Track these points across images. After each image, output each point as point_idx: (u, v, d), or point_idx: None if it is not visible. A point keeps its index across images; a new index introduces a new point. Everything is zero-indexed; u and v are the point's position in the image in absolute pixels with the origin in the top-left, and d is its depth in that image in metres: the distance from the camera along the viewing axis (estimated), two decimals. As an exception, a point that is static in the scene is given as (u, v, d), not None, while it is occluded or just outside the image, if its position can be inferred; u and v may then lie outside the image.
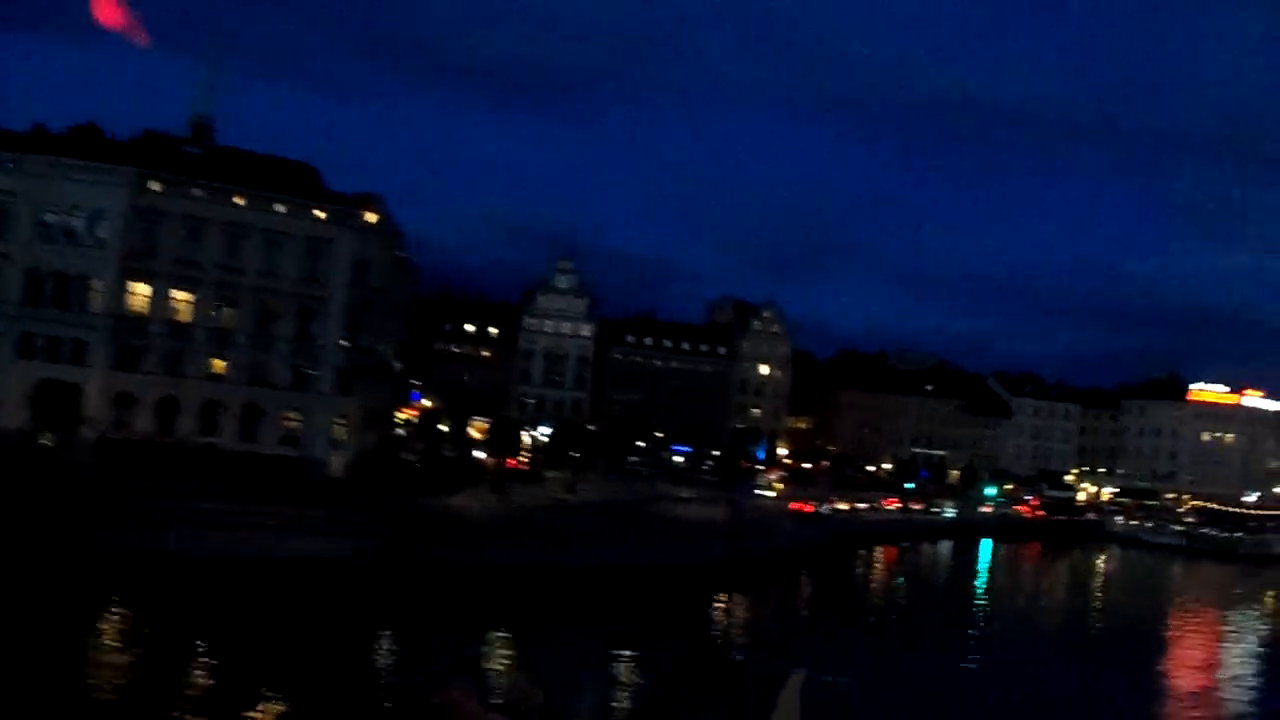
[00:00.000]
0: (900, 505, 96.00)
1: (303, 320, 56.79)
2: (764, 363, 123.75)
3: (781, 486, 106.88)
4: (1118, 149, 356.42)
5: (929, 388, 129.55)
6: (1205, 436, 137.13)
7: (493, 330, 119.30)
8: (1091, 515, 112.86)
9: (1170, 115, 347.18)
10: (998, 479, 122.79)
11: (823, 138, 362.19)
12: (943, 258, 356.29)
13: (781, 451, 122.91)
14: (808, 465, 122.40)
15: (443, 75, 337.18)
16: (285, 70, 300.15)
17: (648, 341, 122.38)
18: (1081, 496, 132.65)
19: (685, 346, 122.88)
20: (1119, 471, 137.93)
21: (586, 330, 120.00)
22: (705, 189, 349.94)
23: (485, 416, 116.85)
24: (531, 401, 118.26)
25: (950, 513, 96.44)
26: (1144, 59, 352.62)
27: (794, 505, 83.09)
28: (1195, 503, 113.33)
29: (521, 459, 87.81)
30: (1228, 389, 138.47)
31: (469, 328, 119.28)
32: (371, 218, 58.97)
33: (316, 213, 57.52)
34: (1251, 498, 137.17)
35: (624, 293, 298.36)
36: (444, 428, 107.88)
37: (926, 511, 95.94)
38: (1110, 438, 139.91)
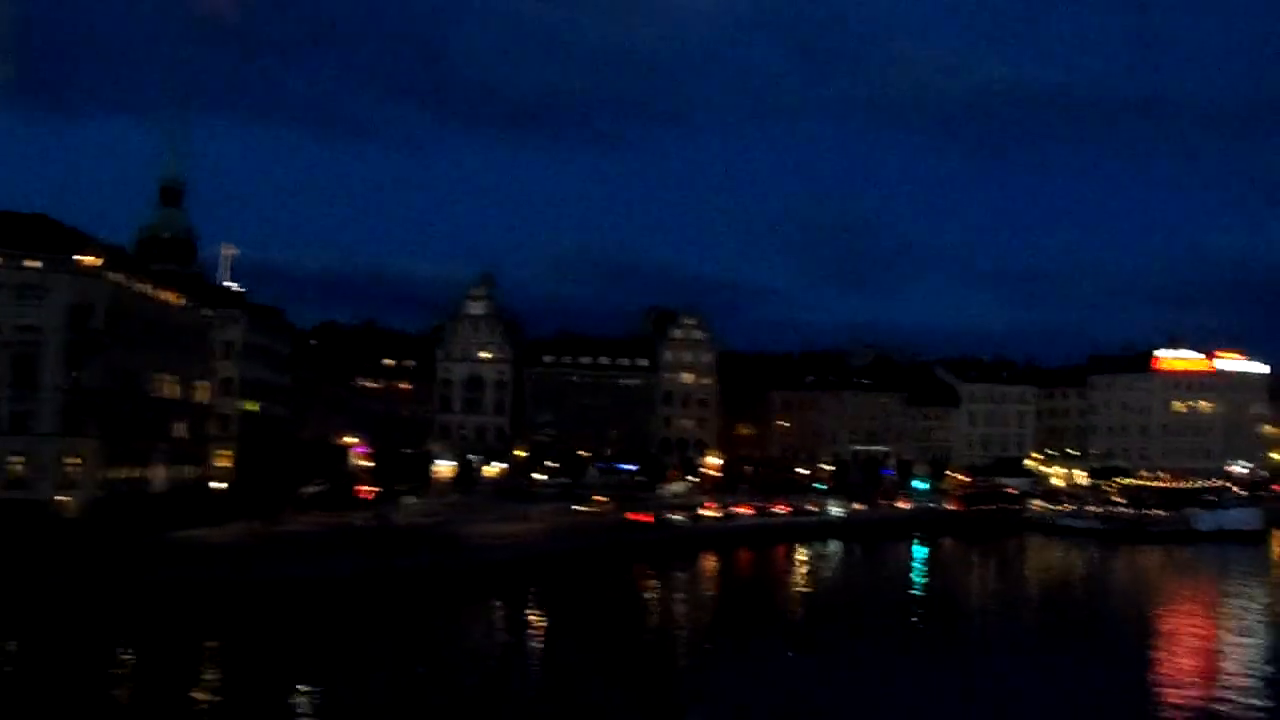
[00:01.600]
0: (790, 510, 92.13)
1: (19, 365, 57.69)
2: (688, 371, 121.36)
3: (683, 491, 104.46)
4: (1168, 125, 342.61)
5: (866, 382, 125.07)
6: (1178, 407, 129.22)
7: (409, 362, 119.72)
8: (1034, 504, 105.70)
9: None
10: (939, 471, 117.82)
11: (878, 142, 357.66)
12: (1010, 252, 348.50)
13: (714, 459, 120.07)
14: (749, 469, 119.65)
15: (476, 112, 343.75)
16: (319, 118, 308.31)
17: (566, 360, 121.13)
18: (1057, 482, 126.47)
19: (604, 361, 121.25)
20: (1092, 452, 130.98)
21: (502, 354, 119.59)
22: (763, 205, 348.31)
23: (409, 448, 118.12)
24: (453, 429, 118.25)
25: (838, 511, 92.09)
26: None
27: (630, 515, 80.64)
28: (1125, 481, 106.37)
29: (368, 488, 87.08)
30: (1198, 354, 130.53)
31: (387, 361, 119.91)
32: (93, 261, 59.69)
33: (28, 262, 58.51)
34: (1241, 469, 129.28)
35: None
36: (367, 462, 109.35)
37: (822, 512, 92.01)
38: (1079, 417, 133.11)
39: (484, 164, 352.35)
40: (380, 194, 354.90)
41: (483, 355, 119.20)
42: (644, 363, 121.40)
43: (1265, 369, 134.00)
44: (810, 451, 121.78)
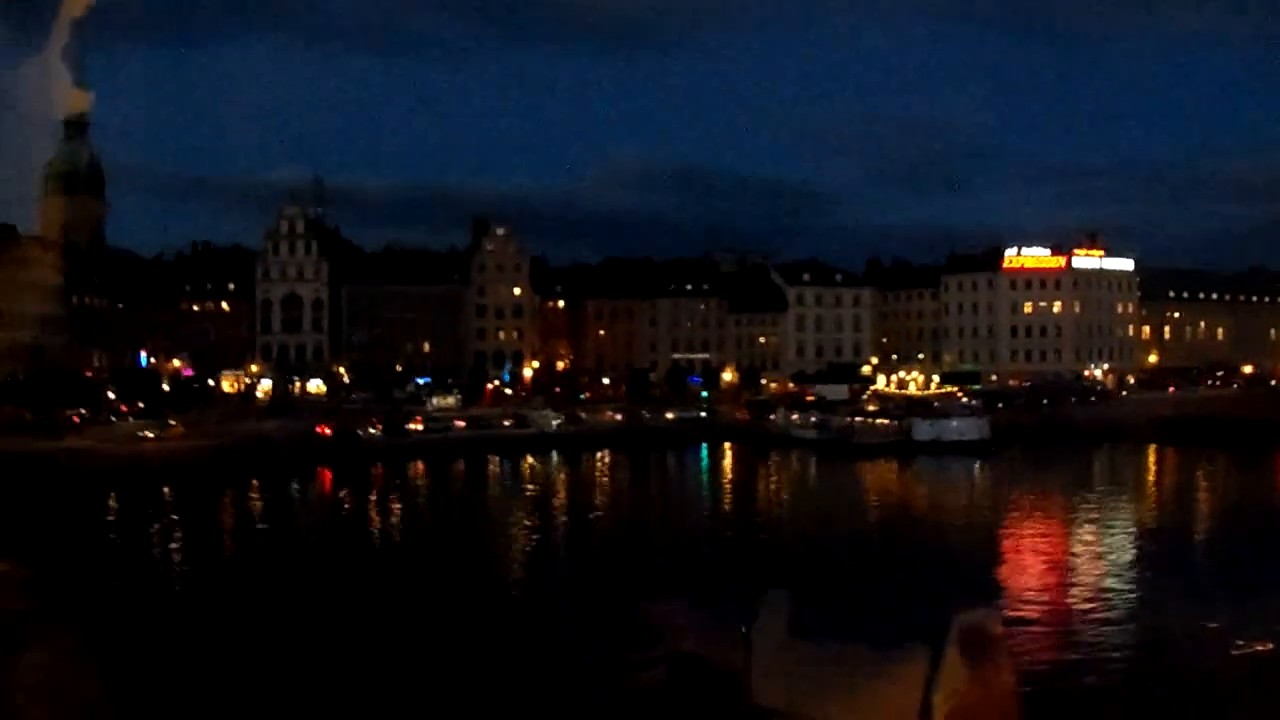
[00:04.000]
0: (513, 420, 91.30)
1: None
2: (501, 283, 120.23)
3: (452, 404, 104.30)
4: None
5: (688, 286, 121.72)
6: (1028, 308, 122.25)
7: (231, 285, 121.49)
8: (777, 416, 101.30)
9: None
10: (753, 379, 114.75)
11: (948, 41, 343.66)
12: (1082, 149, 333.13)
13: (529, 371, 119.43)
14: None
15: (532, 24, 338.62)
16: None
17: (384, 276, 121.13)
18: (890, 389, 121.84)
19: (422, 275, 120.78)
20: (946, 357, 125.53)
21: (319, 272, 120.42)
22: (828, 108, 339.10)
23: (234, 369, 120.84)
24: (273, 348, 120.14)
25: (555, 423, 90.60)
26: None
27: (319, 428, 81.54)
28: (883, 390, 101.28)
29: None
30: (1050, 251, 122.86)
31: (209, 285, 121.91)
32: None
33: None
34: (1098, 372, 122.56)
35: (764, 223, 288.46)
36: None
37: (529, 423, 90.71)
38: (933, 319, 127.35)
39: (542, 77, 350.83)
40: (432, 110, 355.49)
41: (299, 274, 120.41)
42: (458, 276, 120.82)
43: (1129, 266, 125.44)
44: (629, 361, 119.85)
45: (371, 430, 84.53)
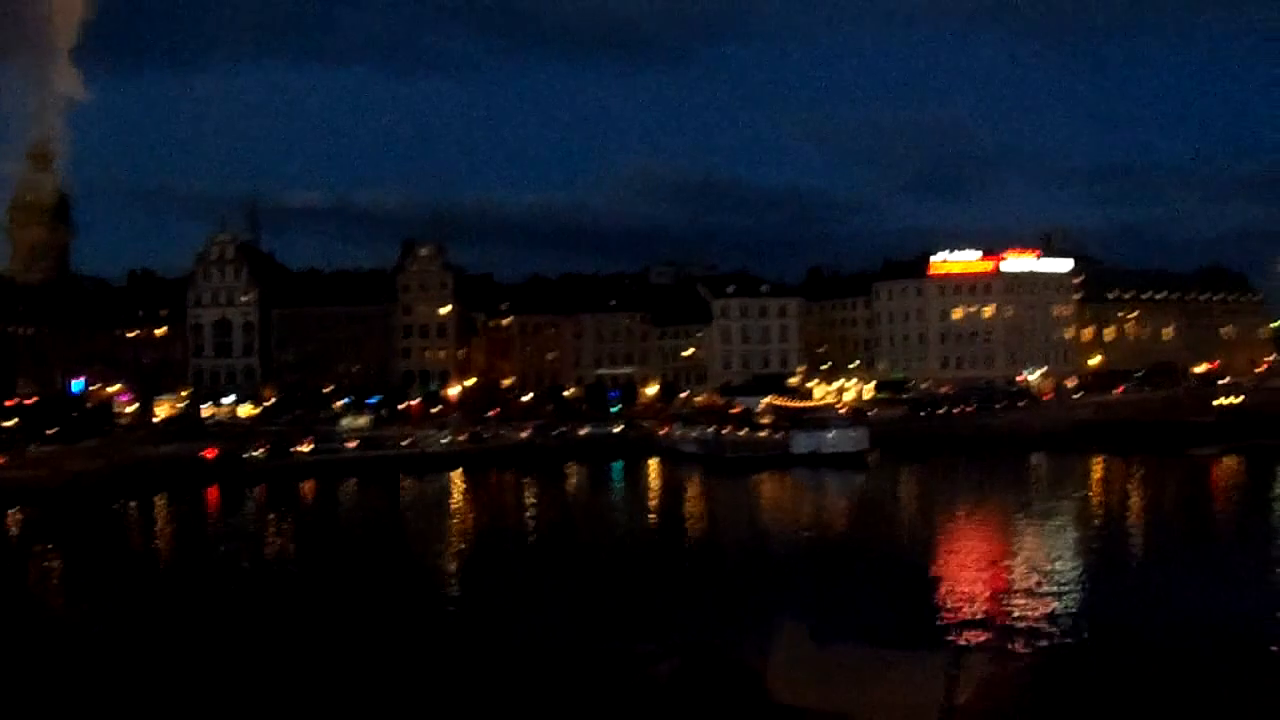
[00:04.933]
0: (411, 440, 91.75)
1: None
2: (424, 302, 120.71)
3: (364, 424, 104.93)
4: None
5: (613, 302, 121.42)
6: (957, 313, 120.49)
7: (163, 311, 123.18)
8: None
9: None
10: (669, 393, 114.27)
11: (959, 46, 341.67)
12: (1099, 150, 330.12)
13: (454, 390, 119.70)
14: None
15: (541, 38, 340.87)
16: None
17: (311, 298, 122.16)
18: (830, 398, 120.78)
19: (348, 296, 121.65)
20: (880, 366, 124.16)
21: (248, 297, 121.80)
22: (842, 115, 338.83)
23: (170, 394, 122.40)
24: (205, 372, 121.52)
25: (444, 441, 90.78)
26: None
27: (205, 451, 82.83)
28: (775, 401, 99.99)
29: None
30: (980, 255, 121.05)
31: (142, 311, 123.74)
32: None
33: None
34: (1033, 376, 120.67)
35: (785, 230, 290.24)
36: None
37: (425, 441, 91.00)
38: (866, 328, 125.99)
39: (552, 90, 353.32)
40: (444, 125, 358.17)
41: (229, 299, 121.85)
42: (385, 296, 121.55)
43: (1064, 267, 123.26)
44: (553, 377, 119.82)
45: (255, 453, 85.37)
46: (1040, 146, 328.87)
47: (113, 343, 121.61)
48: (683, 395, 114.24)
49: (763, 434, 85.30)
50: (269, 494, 75.45)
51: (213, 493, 75.60)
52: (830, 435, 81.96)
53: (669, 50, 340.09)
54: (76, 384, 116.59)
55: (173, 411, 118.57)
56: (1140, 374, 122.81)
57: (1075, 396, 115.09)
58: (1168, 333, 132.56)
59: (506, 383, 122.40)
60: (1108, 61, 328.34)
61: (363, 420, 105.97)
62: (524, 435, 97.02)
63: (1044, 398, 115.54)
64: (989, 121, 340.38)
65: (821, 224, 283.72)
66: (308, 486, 79.10)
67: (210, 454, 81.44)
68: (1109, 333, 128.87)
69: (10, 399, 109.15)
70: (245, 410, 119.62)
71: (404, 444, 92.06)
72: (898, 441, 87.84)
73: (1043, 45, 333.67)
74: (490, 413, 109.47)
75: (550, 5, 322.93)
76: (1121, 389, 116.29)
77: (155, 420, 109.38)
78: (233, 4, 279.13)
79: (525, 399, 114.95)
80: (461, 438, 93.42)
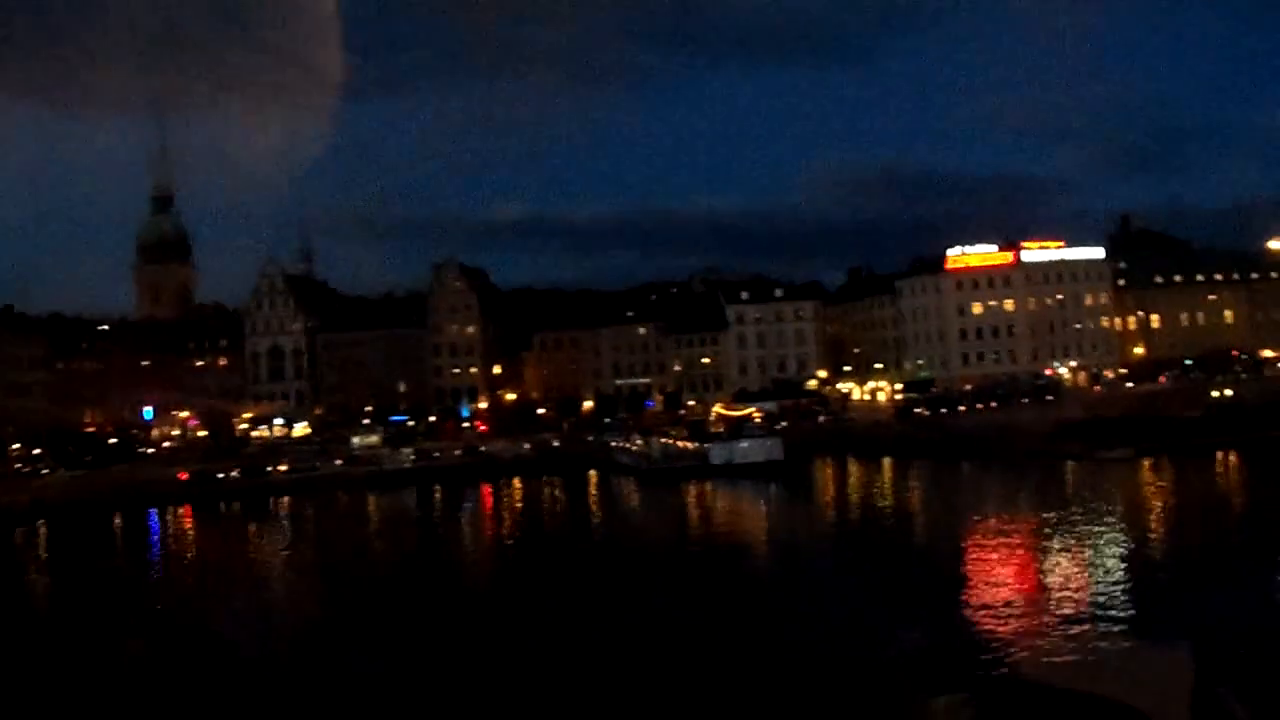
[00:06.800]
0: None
1: None
2: (453, 322, 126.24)
3: (374, 442, 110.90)
4: None
5: (630, 313, 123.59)
6: (977, 308, 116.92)
7: (223, 341, 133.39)
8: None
9: None
10: (673, 400, 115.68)
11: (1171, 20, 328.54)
12: None
13: (483, 405, 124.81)
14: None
15: (721, 43, 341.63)
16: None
17: (352, 323, 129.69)
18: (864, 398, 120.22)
19: (386, 319, 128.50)
20: (905, 364, 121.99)
21: (297, 325, 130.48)
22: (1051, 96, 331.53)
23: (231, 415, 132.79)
24: (262, 397, 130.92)
25: (405, 455, 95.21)
26: None
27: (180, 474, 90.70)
28: (721, 409, 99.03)
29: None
30: (997, 248, 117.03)
31: (207, 342, 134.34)
32: None
33: None
34: (1063, 370, 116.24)
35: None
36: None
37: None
38: (893, 328, 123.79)
39: (741, 94, 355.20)
40: (633, 136, 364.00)
41: (280, 328, 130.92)
42: (421, 318, 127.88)
43: (1098, 254, 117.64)
44: (574, 390, 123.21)
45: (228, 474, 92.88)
46: (1248, 118, 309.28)
47: (181, 371, 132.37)
48: (690, 403, 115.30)
49: (687, 445, 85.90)
50: (241, 511, 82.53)
51: (187, 510, 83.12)
52: (743, 446, 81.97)
53: (853, 46, 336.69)
54: (147, 412, 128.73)
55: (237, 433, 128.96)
56: (1190, 362, 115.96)
57: (1126, 388, 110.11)
58: (1230, 317, 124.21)
59: (536, 395, 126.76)
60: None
61: (373, 439, 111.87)
62: (527, 448, 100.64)
63: (1089, 390, 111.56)
64: (1196, 94, 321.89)
65: (1029, 206, 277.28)
66: (284, 503, 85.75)
67: (183, 476, 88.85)
68: (1155, 320, 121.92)
69: (84, 427, 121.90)
70: (299, 430, 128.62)
71: (385, 464, 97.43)
72: (873, 445, 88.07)
73: (1251, 11, 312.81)
74: (482, 427, 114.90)
75: (731, 11, 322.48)
76: (1164, 378, 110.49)
77: (193, 442, 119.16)
78: (427, 29, 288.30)
79: (541, 412, 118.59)
80: (438, 454, 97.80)
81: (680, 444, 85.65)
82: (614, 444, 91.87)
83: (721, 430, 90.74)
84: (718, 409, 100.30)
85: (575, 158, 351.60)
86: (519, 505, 78.59)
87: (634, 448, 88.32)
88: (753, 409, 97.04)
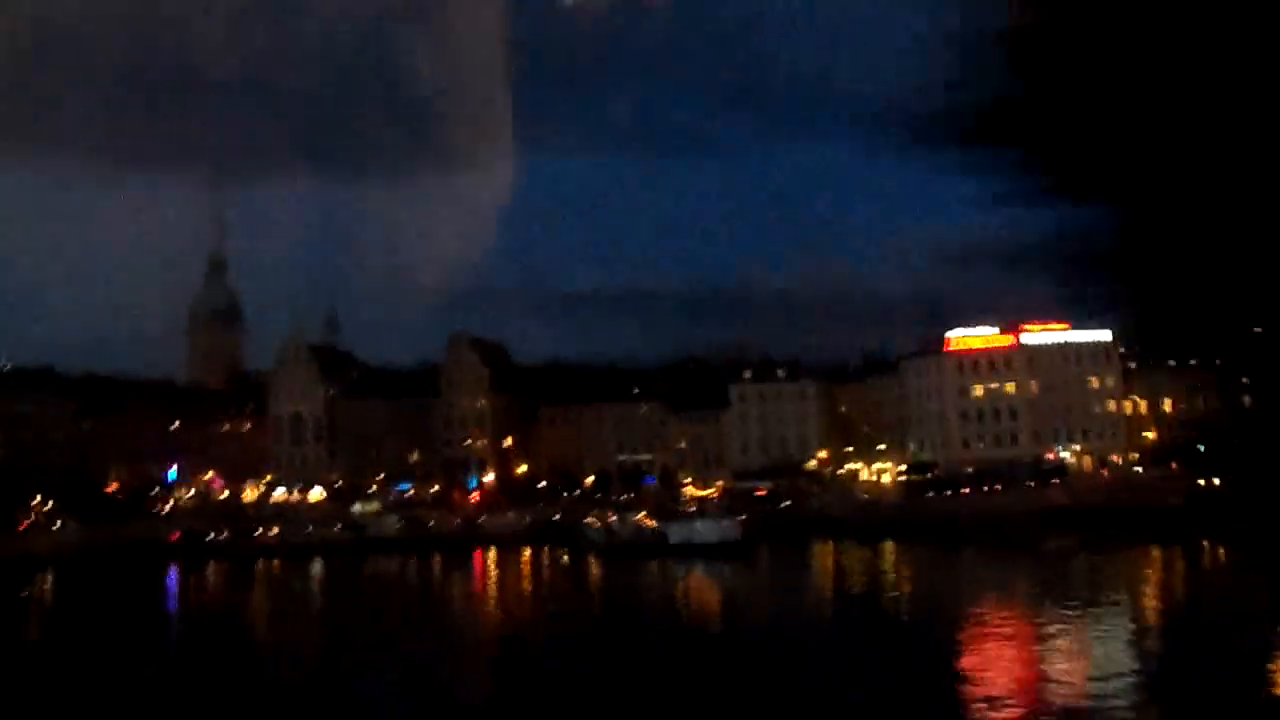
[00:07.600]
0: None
1: None
2: (463, 395, 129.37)
3: (372, 509, 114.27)
4: None
5: (635, 390, 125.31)
6: (978, 390, 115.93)
7: (251, 405, 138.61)
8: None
9: None
10: (667, 480, 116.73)
11: None
12: None
13: (489, 478, 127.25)
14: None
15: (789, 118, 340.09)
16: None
17: (369, 392, 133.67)
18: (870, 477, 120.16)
19: (400, 390, 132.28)
20: (910, 446, 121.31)
21: (318, 393, 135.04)
22: None
23: (255, 479, 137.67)
24: (284, 461, 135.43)
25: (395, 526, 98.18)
26: None
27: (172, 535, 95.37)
28: (689, 490, 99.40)
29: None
30: (997, 329, 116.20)
31: (233, 408, 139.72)
32: None
33: None
34: (1066, 454, 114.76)
35: None
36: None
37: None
38: (897, 408, 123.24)
39: (806, 166, 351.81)
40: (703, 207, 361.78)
41: (303, 395, 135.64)
42: (434, 389, 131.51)
43: (1105, 336, 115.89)
44: (578, 465, 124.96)
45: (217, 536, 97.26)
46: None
47: (207, 435, 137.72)
48: (687, 481, 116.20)
49: (645, 522, 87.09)
50: (225, 573, 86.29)
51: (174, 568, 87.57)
52: (699, 525, 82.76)
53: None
54: (171, 473, 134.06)
55: (253, 496, 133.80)
56: (1202, 448, 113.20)
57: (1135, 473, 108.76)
58: (1249, 399, 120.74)
59: (542, 468, 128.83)
60: None
61: (373, 506, 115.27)
62: (528, 520, 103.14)
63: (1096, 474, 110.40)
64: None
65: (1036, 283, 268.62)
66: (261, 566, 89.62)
67: (174, 536, 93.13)
68: (1167, 404, 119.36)
69: (107, 486, 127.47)
70: (314, 496, 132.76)
71: (369, 531, 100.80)
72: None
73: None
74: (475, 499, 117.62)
75: (794, 82, 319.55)
76: (1176, 465, 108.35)
77: (214, 504, 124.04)
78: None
79: (541, 485, 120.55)
80: (432, 523, 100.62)
81: (646, 522, 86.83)
82: (585, 520, 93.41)
83: (693, 509, 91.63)
84: (688, 490, 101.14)
85: (656, 227, 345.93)
86: (479, 577, 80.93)
87: (600, 525, 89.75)
88: (712, 490, 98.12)
